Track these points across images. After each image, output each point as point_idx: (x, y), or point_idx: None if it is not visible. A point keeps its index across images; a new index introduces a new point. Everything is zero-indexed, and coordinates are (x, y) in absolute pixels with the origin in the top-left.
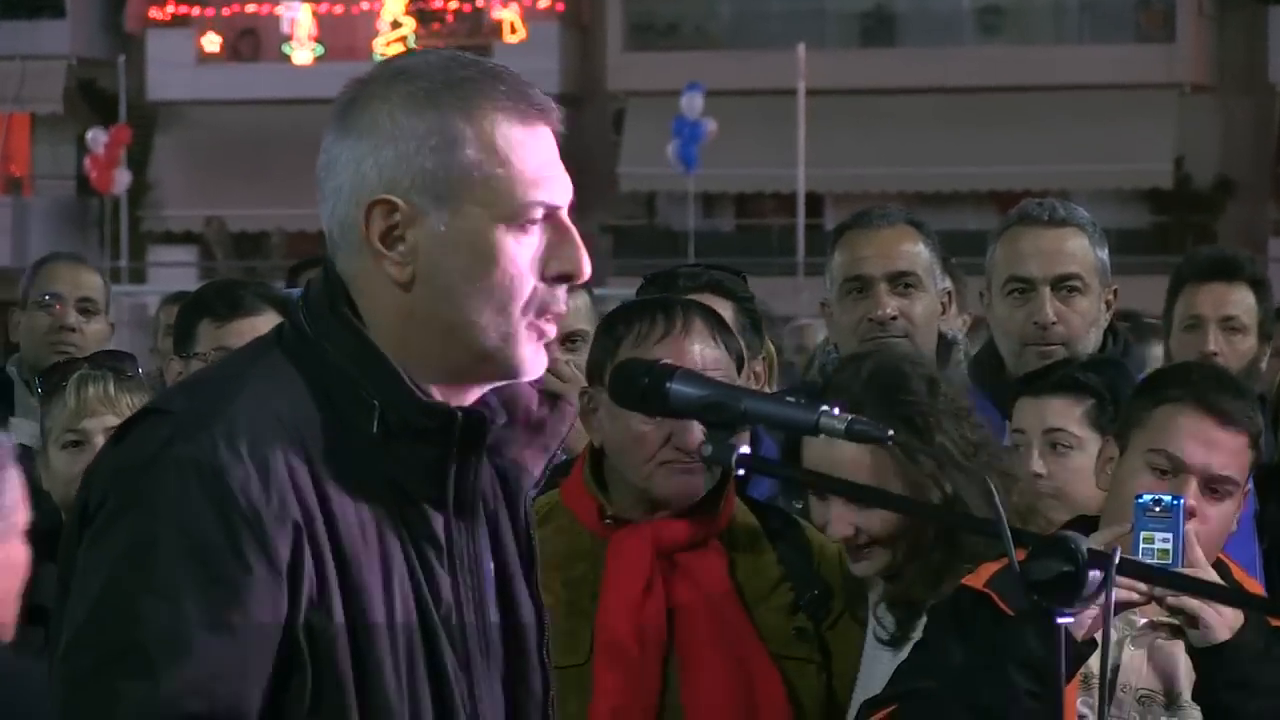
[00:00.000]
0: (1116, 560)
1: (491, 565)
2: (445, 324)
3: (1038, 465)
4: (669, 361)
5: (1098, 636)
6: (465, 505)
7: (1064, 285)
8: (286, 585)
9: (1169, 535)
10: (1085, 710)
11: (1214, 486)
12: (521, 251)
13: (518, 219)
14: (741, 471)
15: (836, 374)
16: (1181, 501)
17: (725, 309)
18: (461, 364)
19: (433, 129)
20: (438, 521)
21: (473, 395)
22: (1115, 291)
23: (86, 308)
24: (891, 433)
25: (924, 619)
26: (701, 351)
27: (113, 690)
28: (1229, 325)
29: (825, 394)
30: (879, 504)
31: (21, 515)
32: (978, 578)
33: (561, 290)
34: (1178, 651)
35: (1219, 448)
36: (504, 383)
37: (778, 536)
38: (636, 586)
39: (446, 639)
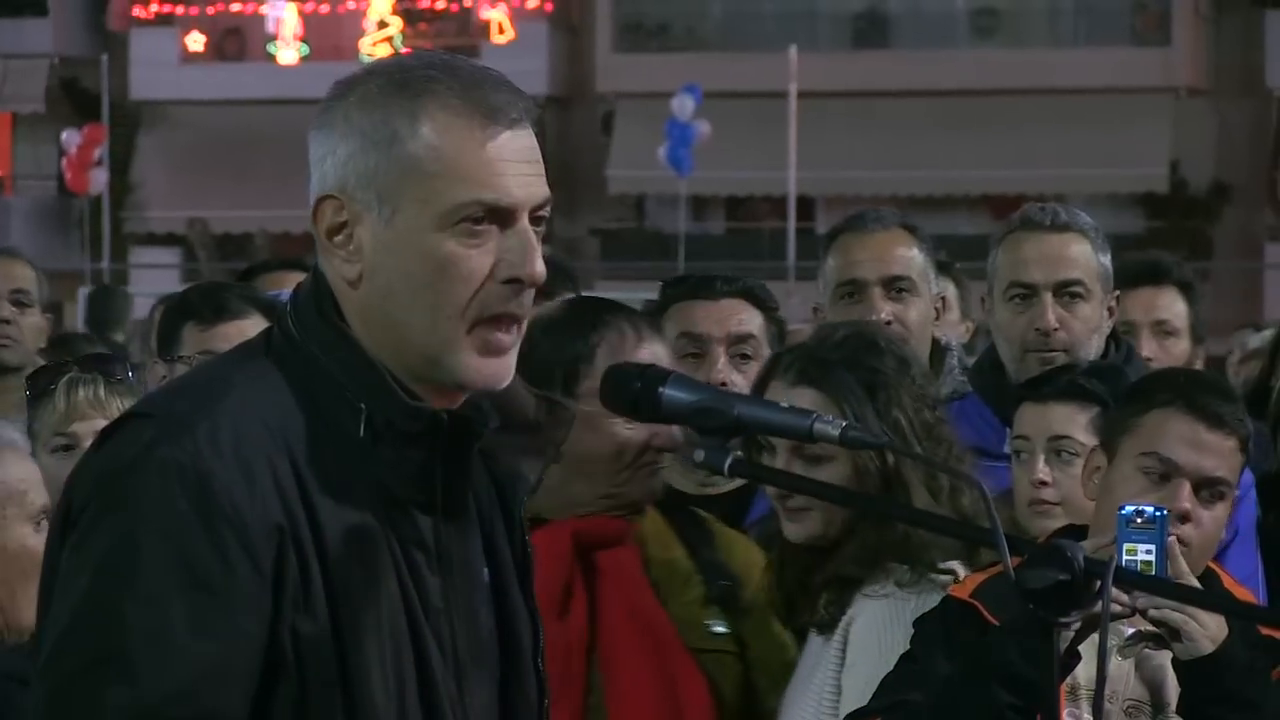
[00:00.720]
0: (1113, 569)
1: (486, 571)
2: (390, 324)
3: (1043, 473)
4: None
5: (1081, 648)
6: (454, 508)
7: (1066, 291)
8: (271, 590)
9: (1151, 546)
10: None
11: (1207, 490)
12: (463, 252)
13: (456, 218)
14: (736, 477)
15: (813, 336)
16: (1164, 513)
17: (756, 317)
18: (414, 366)
19: (377, 126)
20: (426, 525)
21: (454, 399)
22: (1118, 298)
23: (20, 300)
24: (888, 439)
25: (855, 604)
26: (663, 353)
27: (95, 697)
28: (1161, 329)
29: (792, 354)
30: (877, 511)
31: (30, 502)
32: (964, 588)
33: (520, 295)
34: (1165, 662)
35: (1211, 451)
36: (461, 389)
37: (684, 532)
38: (557, 586)
39: (435, 644)
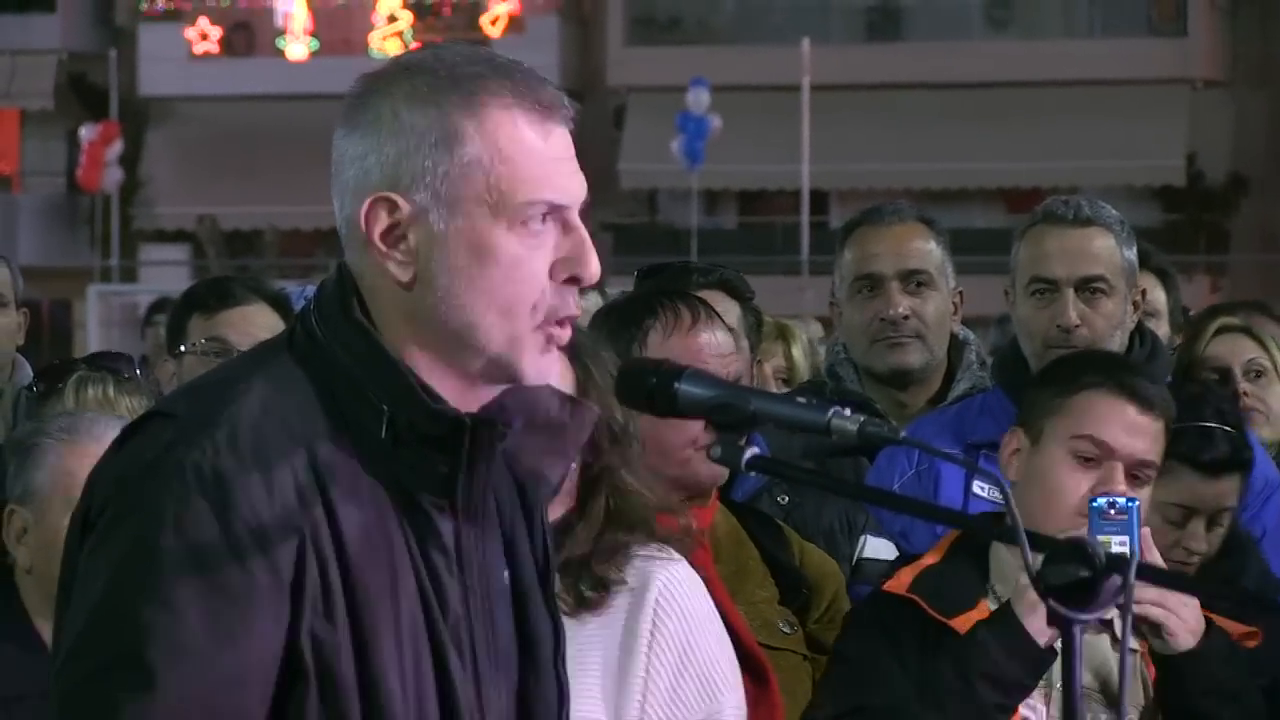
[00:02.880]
0: (1135, 564)
1: (506, 575)
2: (448, 326)
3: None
4: (672, 360)
5: (1058, 645)
6: (475, 512)
7: (1088, 287)
8: (289, 593)
9: (1125, 538)
10: (1028, 713)
11: (1136, 473)
12: (525, 253)
13: (519, 218)
14: (752, 473)
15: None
16: (1136, 503)
17: (733, 309)
18: (468, 366)
19: (434, 125)
20: (446, 529)
21: (484, 396)
22: (1144, 292)
23: None
24: (904, 434)
25: (639, 570)
26: (724, 339)
27: (111, 701)
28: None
29: None
30: (890, 506)
31: (74, 493)
32: (899, 583)
33: (572, 293)
34: (1105, 646)
35: (1142, 433)
36: (515, 385)
37: (758, 535)
38: None
39: (454, 648)
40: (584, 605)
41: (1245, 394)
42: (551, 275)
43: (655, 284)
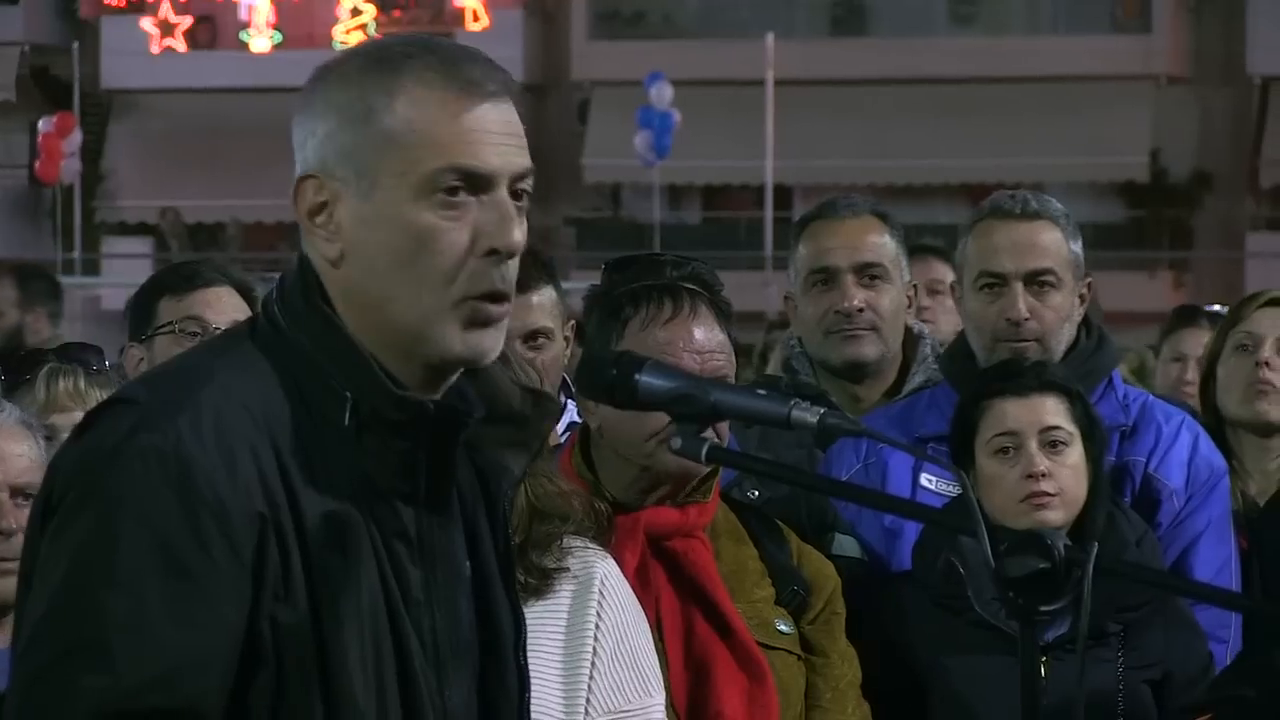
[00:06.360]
0: (1094, 557)
1: (468, 564)
2: (373, 301)
3: (1041, 464)
4: (644, 351)
5: None
6: (437, 500)
7: (1037, 280)
8: (251, 578)
9: None
10: None
11: None
12: (441, 224)
13: (432, 188)
14: (713, 464)
15: None
16: None
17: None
18: (400, 343)
19: (353, 102)
20: (408, 516)
21: (445, 383)
22: (1090, 285)
23: None
24: (865, 428)
25: (579, 558)
26: (708, 335)
27: (72, 684)
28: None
29: None
30: (852, 499)
31: None
32: None
33: (501, 267)
34: None
35: None
36: (466, 370)
37: (758, 535)
38: (629, 572)
39: (415, 635)
40: (527, 592)
41: (1268, 364)
42: (473, 249)
43: (634, 275)
